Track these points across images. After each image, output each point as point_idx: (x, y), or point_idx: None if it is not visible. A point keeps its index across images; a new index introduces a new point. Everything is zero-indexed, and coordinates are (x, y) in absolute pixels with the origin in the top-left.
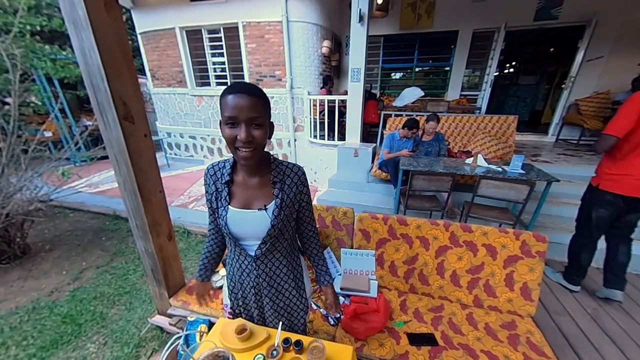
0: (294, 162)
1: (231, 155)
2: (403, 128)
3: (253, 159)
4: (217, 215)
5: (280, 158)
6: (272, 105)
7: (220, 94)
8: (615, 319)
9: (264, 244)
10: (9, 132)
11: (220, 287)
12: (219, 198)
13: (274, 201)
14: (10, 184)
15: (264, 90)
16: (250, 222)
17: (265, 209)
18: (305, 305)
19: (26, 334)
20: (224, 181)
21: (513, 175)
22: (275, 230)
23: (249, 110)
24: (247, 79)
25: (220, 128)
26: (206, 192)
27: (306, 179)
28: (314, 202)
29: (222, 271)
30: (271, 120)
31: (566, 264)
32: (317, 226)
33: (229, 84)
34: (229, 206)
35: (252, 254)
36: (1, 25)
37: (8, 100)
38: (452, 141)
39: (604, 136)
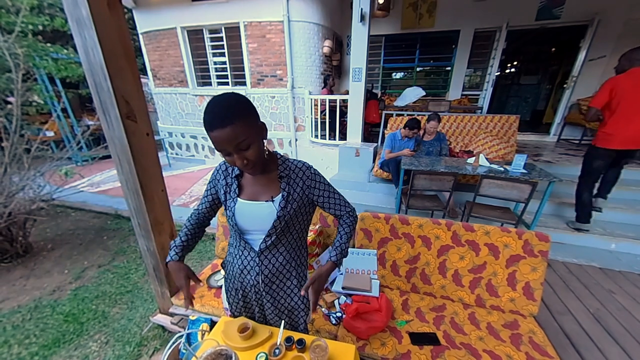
0: (303, 160)
1: None
2: (404, 128)
3: (257, 171)
4: (224, 207)
5: None
6: (273, 104)
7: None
8: (618, 318)
9: (269, 236)
10: (11, 131)
11: (221, 287)
12: (228, 191)
13: (281, 194)
14: (13, 183)
15: (265, 89)
16: (258, 214)
17: (273, 201)
18: (307, 306)
19: (28, 333)
20: (234, 175)
21: (515, 174)
22: (281, 222)
23: (231, 140)
24: (248, 79)
25: None
26: (211, 186)
27: (315, 173)
28: None
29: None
30: (261, 122)
31: (576, 215)
32: (319, 225)
33: (230, 83)
34: (238, 198)
35: (257, 248)
36: (4, 24)
37: (11, 99)
38: (454, 141)
39: (589, 108)
